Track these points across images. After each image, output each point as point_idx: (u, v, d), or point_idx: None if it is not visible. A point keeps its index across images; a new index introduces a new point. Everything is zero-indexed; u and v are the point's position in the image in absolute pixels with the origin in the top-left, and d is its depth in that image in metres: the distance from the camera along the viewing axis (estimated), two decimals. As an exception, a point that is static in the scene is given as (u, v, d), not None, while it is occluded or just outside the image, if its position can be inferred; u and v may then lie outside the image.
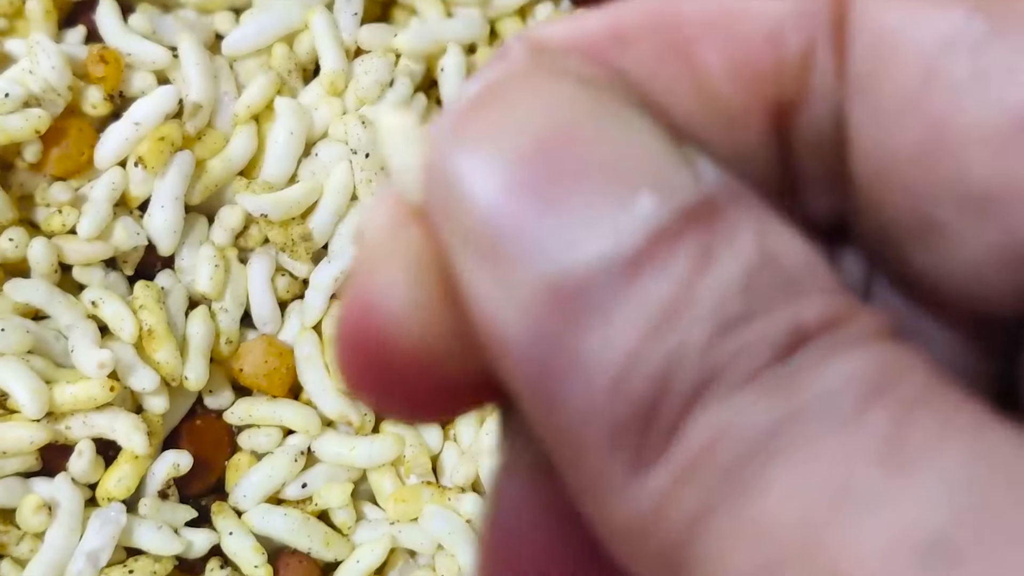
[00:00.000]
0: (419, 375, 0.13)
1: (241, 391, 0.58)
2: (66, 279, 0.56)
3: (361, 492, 0.59)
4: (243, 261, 0.58)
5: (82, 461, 0.53)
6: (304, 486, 0.57)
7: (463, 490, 0.58)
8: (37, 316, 0.55)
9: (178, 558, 0.55)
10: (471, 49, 0.62)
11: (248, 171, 0.59)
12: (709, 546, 0.12)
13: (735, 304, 0.12)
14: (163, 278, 0.57)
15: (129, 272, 0.57)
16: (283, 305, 0.59)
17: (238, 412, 0.57)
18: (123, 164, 0.56)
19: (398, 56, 0.60)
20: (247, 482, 0.56)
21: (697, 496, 0.12)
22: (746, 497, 0.11)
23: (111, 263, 0.57)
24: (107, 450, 0.54)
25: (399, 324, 0.13)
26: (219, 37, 0.60)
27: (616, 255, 0.12)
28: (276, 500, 0.57)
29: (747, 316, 0.12)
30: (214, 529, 0.56)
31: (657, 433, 0.12)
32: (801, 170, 0.15)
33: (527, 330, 0.12)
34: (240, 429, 0.58)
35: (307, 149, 0.59)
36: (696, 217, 0.12)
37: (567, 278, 0.12)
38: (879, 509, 0.11)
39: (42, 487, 0.53)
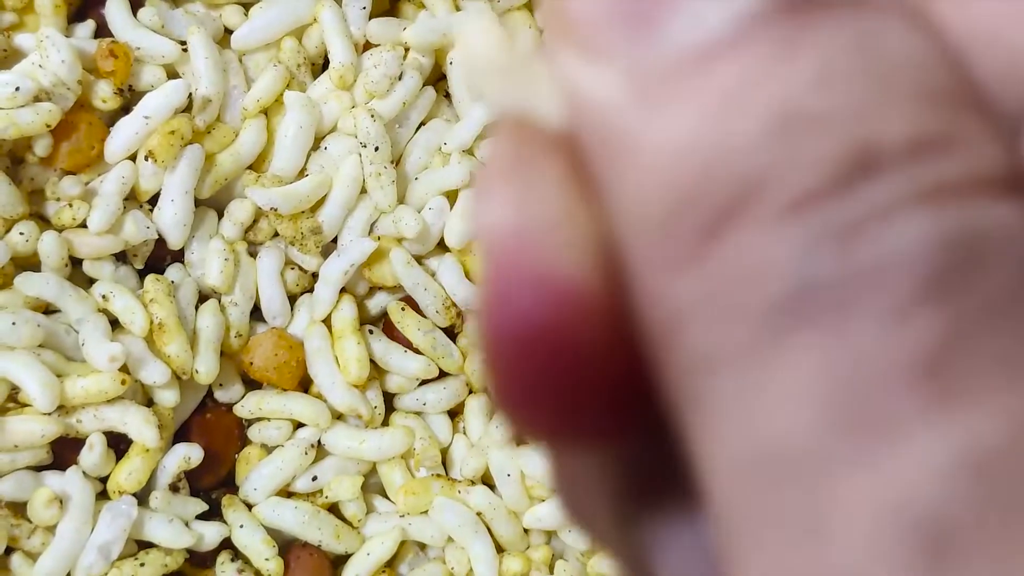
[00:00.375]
0: (590, 338, 0.11)
1: (251, 384, 0.58)
2: (76, 273, 0.56)
3: (371, 485, 0.59)
4: (253, 255, 0.59)
5: (93, 454, 0.53)
6: (314, 479, 0.57)
7: (473, 483, 0.58)
8: (48, 310, 0.55)
9: (189, 551, 0.55)
10: (480, 42, 0.61)
11: (257, 165, 0.59)
12: (715, 400, 0.10)
13: (802, 100, 0.10)
14: (173, 272, 0.57)
15: (139, 266, 0.57)
16: (292, 298, 0.59)
17: (248, 405, 0.57)
18: (133, 158, 0.56)
19: (407, 50, 0.60)
20: (257, 475, 0.56)
21: (714, 329, 0.10)
22: (758, 363, 0.10)
23: (121, 257, 0.57)
24: (118, 443, 0.54)
25: (566, 267, 0.11)
26: (228, 31, 0.60)
27: (697, 40, 0.11)
28: (286, 493, 0.57)
29: (813, 117, 0.10)
30: (225, 522, 0.56)
31: (691, 231, 0.10)
32: None
33: (607, 106, 0.11)
34: (250, 422, 0.58)
35: (316, 143, 0.59)
36: (795, 7, 0.11)
37: (650, 61, 0.11)
38: (894, 448, 0.09)
39: (53, 480, 0.53)
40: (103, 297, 0.54)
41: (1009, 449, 0.09)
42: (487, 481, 0.58)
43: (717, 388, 0.10)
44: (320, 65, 0.61)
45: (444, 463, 0.59)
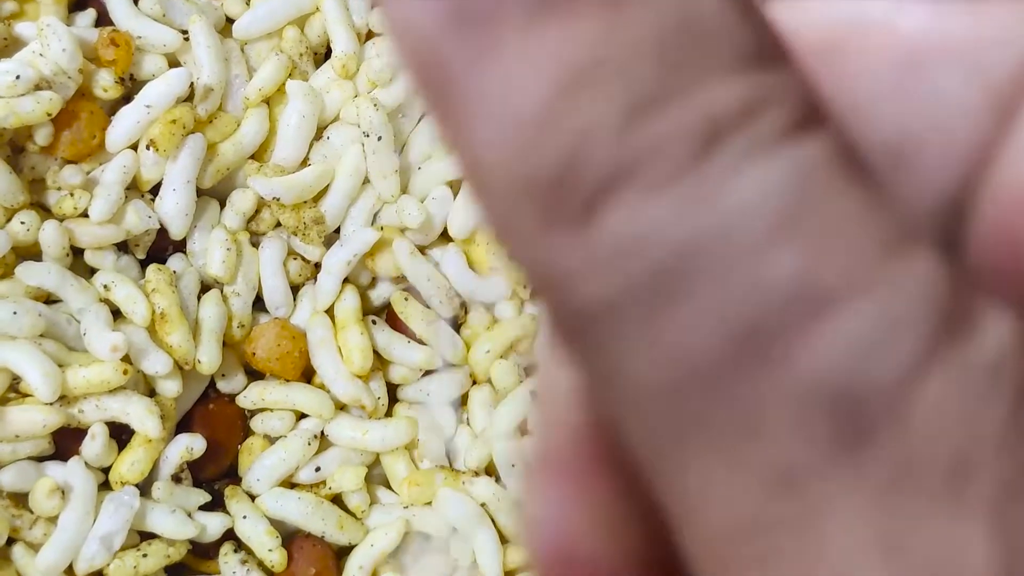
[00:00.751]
0: None
1: (254, 375, 0.58)
2: (78, 262, 0.55)
3: (375, 476, 0.59)
4: (255, 245, 0.58)
5: (95, 445, 0.53)
6: (317, 470, 0.57)
7: (477, 474, 0.58)
8: (49, 300, 0.54)
9: (192, 542, 0.55)
10: (483, 31, 0.61)
11: (260, 154, 0.59)
12: (619, 339, 0.11)
13: (648, 79, 0.10)
14: (175, 262, 0.57)
15: (141, 255, 0.57)
16: (295, 289, 0.59)
17: (251, 396, 0.57)
18: (135, 147, 0.56)
19: (410, 39, 0.60)
20: (260, 466, 0.56)
21: (604, 286, 0.11)
22: (655, 319, 0.11)
23: (123, 246, 0.56)
24: (120, 434, 0.54)
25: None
26: (230, 20, 0.60)
27: None
28: (289, 484, 0.57)
29: (661, 97, 0.10)
30: (228, 513, 0.55)
31: (571, 206, 0.11)
32: None
33: (431, 42, 0.11)
34: (253, 413, 0.58)
35: (319, 132, 0.59)
36: None
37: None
38: (785, 365, 0.10)
39: (55, 471, 0.53)
40: (104, 287, 0.54)
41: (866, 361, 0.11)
42: (491, 472, 0.58)
43: (618, 328, 0.11)
44: (323, 54, 0.61)
45: (448, 454, 0.59)
